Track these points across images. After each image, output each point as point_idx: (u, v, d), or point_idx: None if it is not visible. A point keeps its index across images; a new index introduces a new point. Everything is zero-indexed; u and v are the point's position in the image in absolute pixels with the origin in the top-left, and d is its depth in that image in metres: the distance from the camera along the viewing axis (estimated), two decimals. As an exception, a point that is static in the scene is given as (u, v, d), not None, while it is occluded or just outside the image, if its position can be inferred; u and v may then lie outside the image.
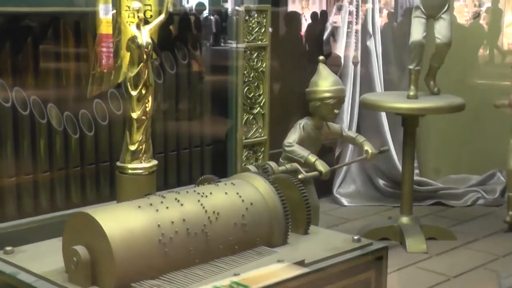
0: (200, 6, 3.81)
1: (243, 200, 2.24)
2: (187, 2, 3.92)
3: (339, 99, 3.33)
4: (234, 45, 3.41)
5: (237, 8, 3.40)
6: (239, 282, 1.99)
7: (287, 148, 3.23)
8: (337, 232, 2.60)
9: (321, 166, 3.15)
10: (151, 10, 2.50)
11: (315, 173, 3.12)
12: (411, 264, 3.92)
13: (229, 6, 4.05)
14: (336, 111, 3.33)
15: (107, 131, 3.04)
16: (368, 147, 3.39)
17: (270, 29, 3.53)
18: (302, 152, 3.19)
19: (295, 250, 2.29)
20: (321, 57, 3.40)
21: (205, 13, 3.84)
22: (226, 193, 2.24)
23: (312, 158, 3.17)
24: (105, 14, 2.57)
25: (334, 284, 2.24)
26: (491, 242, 4.33)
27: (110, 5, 2.54)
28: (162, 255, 2.00)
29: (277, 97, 3.88)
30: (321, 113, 3.32)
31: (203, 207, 2.14)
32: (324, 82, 3.32)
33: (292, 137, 3.26)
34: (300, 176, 2.86)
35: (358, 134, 3.53)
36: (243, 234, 2.20)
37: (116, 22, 2.51)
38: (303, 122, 3.32)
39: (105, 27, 2.57)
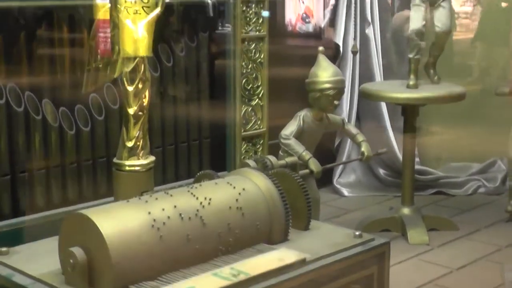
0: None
1: (234, 187, 2.23)
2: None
3: (339, 90, 3.29)
4: (231, 37, 3.36)
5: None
6: (239, 269, 1.99)
7: (283, 141, 3.19)
8: (338, 227, 2.57)
9: (314, 165, 3.13)
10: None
11: (307, 171, 3.09)
12: (413, 256, 3.89)
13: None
14: (336, 102, 3.28)
15: (103, 126, 3.00)
16: (364, 149, 3.36)
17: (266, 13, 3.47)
18: (297, 147, 3.16)
19: (296, 247, 2.26)
20: (320, 48, 3.36)
21: (203, 4, 3.78)
22: (216, 183, 2.25)
23: (307, 155, 3.14)
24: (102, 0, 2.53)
25: (336, 281, 2.21)
26: (493, 232, 4.30)
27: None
28: (158, 241, 1.97)
29: (276, 88, 3.83)
30: (321, 104, 3.27)
31: (194, 195, 2.14)
32: (324, 73, 3.28)
33: (290, 129, 3.22)
34: (280, 162, 2.83)
35: (359, 132, 3.48)
36: (241, 218, 2.17)
37: (111, 16, 2.46)
38: (303, 113, 3.28)
39: (102, 13, 2.52)
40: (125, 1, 2.42)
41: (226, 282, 1.94)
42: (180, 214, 2.05)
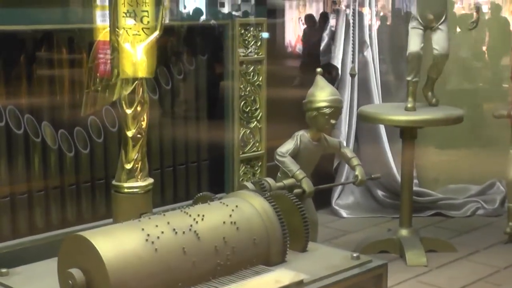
0: (194, 20, 3.77)
1: (227, 205, 2.26)
2: (184, 8, 3.89)
3: (335, 109, 3.31)
4: (229, 59, 3.39)
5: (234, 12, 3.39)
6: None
7: (278, 158, 3.21)
8: (336, 249, 2.58)
9: (306, 185, 3.15)
10: (148, 17, 2.47)
11: (299, 190, 3.11)
12: (411, 278, 3.89)
13: (225, 11, 4.03)
14: (332, 121, 3.30)
15: (102, 148, 3.02)
16: (358, 173, 3.39)
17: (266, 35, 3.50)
18: (292, 166, 3.18)
19: (293, 268, 2.27)
20: (318, 69, 3.40)
21: (201, 26, 3.81)
22: (209, 203, 2.28)
23: (300, 175, 3.16)
24: (102, 21, 2.55)
25: (334, 303, 2.22)
26: (491, 254, 4.31)
27: (107, 12, 2.52)
28: (154, 255, 1.98)
29: (274, 110, 3.86)
30: (317, 123, 3.29)
31: (186, 213, 2.16)
32: (321, 92, 3.32)
33: (286, 147, 3.25)
34: (278, 184, 2.84)
35: (355, 155, 3.50)
36: (236, 232, 2.18)
37: (110, 39, 2.48)
38: (300, 133, 3.31)
39: (103, 35, 2.55)
40: (125, 23, 2.45)
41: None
42: (174, 229, 2.06)
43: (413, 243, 4.16)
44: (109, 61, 2.53)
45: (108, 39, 2.51)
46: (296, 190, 3.07)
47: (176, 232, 2.06)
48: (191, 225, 2.11)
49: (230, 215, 2.22)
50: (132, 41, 2.46)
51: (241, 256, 2.18)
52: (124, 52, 2.45)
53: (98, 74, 2.53)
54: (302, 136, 3.29)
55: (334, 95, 3.33)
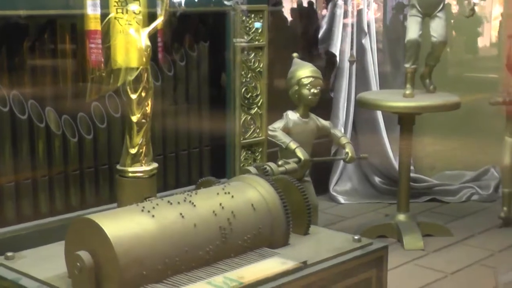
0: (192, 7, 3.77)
1: (219, 183, 2.41)
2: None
3: (315, 79, 3.48)
4: (231, 46, 3.41)
5: (227, 3, 3.41)
6: (232, 278, 2.04)
7: (270, 133, 3.32)
8: (338, 232, 2.62)
9: (301, 153, 3.25)
10: (139, 6, 2.48)
11: (295, 159, 3.16)
12: (408, 261, 3.95)
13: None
14: (314, 90, 3.45)
15: (106, 134, 3.04)
16: (348, 150, 3.49)
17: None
18: (284, 138, 3.31)
19: (296, 250, 2.32)
20: (295, 54, 3.61)
21: (202, 13, 3.81)
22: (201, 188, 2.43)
23: (293, 145, 3.29)
24: (93, 10, 2.55)
25: (336, 284, 2.27)
26: (486, 238, 4.37)
27: (98, 1, 2.52)
28: (152, 221, 2.04)
29: (274, 96, 3.88)
30: (301, 96, 3.44)
31: (181, 193, 2.27)
32: (299, 68, 3.53)
33: (277, 124, 3.44)
34: (280, 169, 2.89)
35: (344, 135, 3.60)
36: (231, 199, 2.25)
37: (109, 26, 2.48)
38: (288, 112, 3.47)
39: (93, 23, 2.54)
40: (116, 12, 2.46)
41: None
42: (169, 201, 2.15)
43: (411, 227, 4.21)
44: (101, 50, 2.52)
45: (99, 27, 2.50)
46: (291, 161, 3.11)
47: (171, 203, 2.14)
48: (185, 198, 2.19)
49: (223, 188, 2.30)
50: (136, 27, 2.47)
51: (243, 221, 2.23)
52: (124, 39, 2.46)
53: (92, 53, 2.51)
54: (290, 114, 3.45)
55: (311, 67, 3.52)
